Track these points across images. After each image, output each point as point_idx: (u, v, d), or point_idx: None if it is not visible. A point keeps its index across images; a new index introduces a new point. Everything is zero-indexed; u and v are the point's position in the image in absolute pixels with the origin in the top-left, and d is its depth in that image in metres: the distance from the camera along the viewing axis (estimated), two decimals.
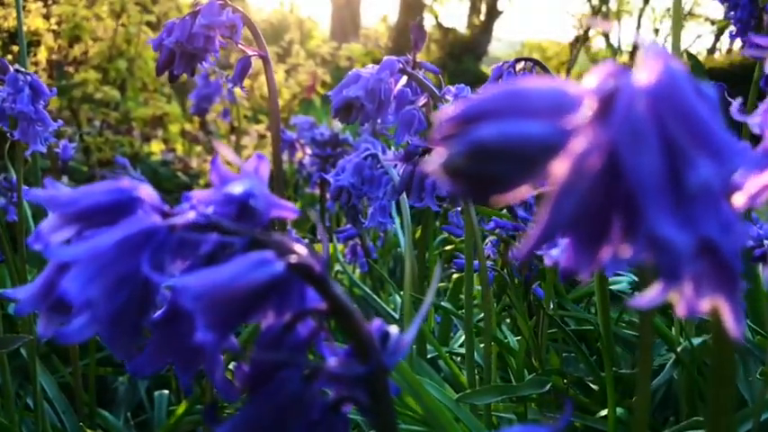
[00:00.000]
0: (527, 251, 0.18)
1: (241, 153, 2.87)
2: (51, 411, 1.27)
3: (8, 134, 1.00)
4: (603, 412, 0.86)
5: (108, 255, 0.25)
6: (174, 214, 0.28)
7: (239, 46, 0.74)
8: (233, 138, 3.32)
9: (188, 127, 3.47)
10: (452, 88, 0.81)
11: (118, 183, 0.29)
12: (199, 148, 3.37)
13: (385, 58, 0.82)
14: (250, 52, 0.75)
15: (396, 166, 1.01)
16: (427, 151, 0.84)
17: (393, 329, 0.28)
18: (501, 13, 14.63)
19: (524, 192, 0.18)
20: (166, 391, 1.44)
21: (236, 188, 0.28)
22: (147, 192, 0.28)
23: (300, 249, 0.27)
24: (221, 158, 0.31)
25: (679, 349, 0.89)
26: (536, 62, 0.96)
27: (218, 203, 0.29)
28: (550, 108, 0.17)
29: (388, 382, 0.27)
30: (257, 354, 0.26)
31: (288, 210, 0.31)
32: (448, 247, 2.00)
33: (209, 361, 0.23)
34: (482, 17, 13.84)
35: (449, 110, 0.19)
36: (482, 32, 13.14)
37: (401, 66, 0.82)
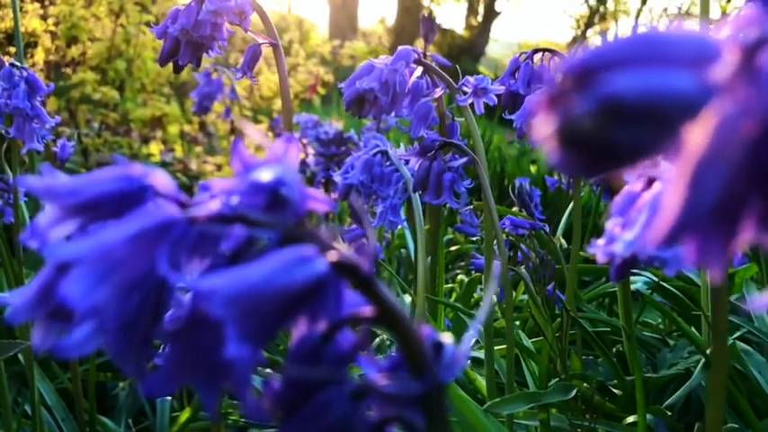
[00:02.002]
0: (661, 241, 0.14)
1: None
2: (50, 419, 1.23)
3: (3, 132, 0.96)
4: (630, 419, 0.82)
5: (118, 253, 0.21)
6: (191, 205, 0.24)
7: (249, 33, 0.70)
8: (232, 139, 3.27)
9: (187, 128, 3.42)
10: (471, 79, 0.77)
11: (126, 169, 0.25)
12: (199, 149, 3.33)
13: (399, 48, 0.78)
14: (260, 40, 0.71)
15: (407, 162, 0.97)
16: (445, 146, 0.80)
17: (446, 339, 0.24)
18: (498, 14, 14.65)
19: (647, 164, 0.14)
20: (168, 398, 1.40)
21: (265, 175, 0.24)
22: (160, 179, 0.24)
23: (340, 245, 0.23)
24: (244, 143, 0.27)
25: (708, 351, 0.84)
26: (555, 52, 0.92)
27: (244, 193, 0.25)
28: (694, 59, 0.13)
29: (445, 400, 0.23)
30: (292, 369, 0.22)
31: (321, 201, 0.27)
32: (453, 248, 1.96)
33: (241, 379, 0.19)
34: (479, 18, 13.84)
35: (565, 60, 0.15)
36: (479, 33, 13.13)
37: (417, 56, 0.78)
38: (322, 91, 3.39)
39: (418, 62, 0.79)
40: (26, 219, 1.57)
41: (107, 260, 0.21)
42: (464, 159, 0.75)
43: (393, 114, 0.78)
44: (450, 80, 0.78)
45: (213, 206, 0.23)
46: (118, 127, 3.22)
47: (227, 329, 0.19)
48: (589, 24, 15.34)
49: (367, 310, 0.23)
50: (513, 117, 0.86)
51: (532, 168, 3.73)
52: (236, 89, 2.04)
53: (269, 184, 0.24)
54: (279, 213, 0.24)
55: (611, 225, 0.35)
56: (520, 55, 0.93)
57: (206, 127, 3.60)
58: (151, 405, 1.44)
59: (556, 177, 1.82)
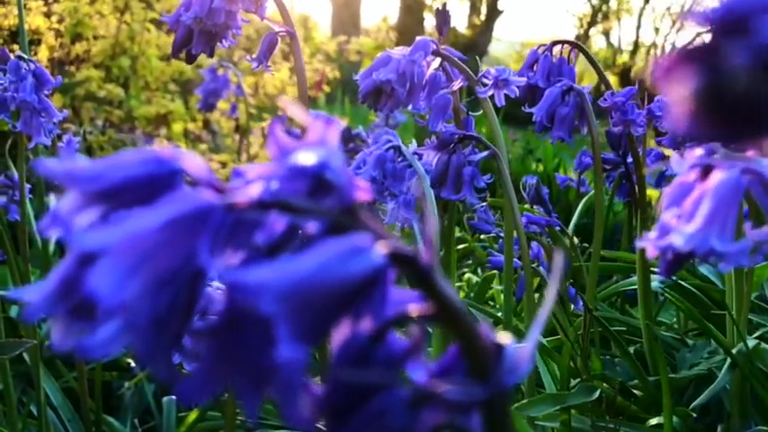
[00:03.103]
0: None
1: (248, 152, 2.81)
2: (55, 419, 1.22)
3: (10, 126, 0.94)
4: (654, 420, 0.80)
5: (150, 242, 0.18)
6: (226, 191, 0.22)
7: (265, 22, 0.68)
8: (236, 137, 3.25)
9: (191, 126, 3.40)
10: (492, 70, 0.75)
11: (154, 152, 0.22)
12: (203, 147, 3.31)
13: (417, 38, 0.76)
14: (277, 28, 0.69)
15: (420, 158, 0.95)
16: (465, 139, 0.77)
17: (505, 339, 0.22)
18: (501, 12, 14.62)
19: None
20: (175, 397, 1.38)
21: (307, 158, 0.22)
22: (192, 162, 0.22)
23: (391, 235, 0.20)
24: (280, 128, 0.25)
25: (734, 351, 0.82)
26: (574, 44, 0.90)
27: (283, 178, 0.22)
28: None
29: (508, 407, 0.20)
30: (339, 373, 0.20)
31: (363, 189, 0.25)
32: (460, 246, 1.93)
33: (290, 383, 0.17)
34: (482, 17, 13.82)
35: (708, 7, 0.12)
36: (482, 32, 13.11)
37: (435, 47, 0.75)
38: (327, 89, 3.36)
39: (436, 53, 0.76)
40: (31, 216, 1.55)
41: (138, 250, 0.18)
42: (484, 153, 0.72)
43: (410, 107, 0.76)
44: (470, 72, 0.76)
45: (252, 192, 0.21)
46: (122, 124, 3.20)
47: (279, 328, 0.17)
48: (592, 23, 15.29)
49: (423, 307, 0.21)
50: (532, 110, 0.84)
51: (539, 167, 3.70)
52: (243, 86, 2.01)
53: (312, 168, 0.22)
54: (323, 200, 0.22)
55: (667, 217, 0.32)
56: (538, 47, 0.91)
57: (210, 125, 3.57)
58: (157, 404, 1.42)
59: (567, 175, 1.79)
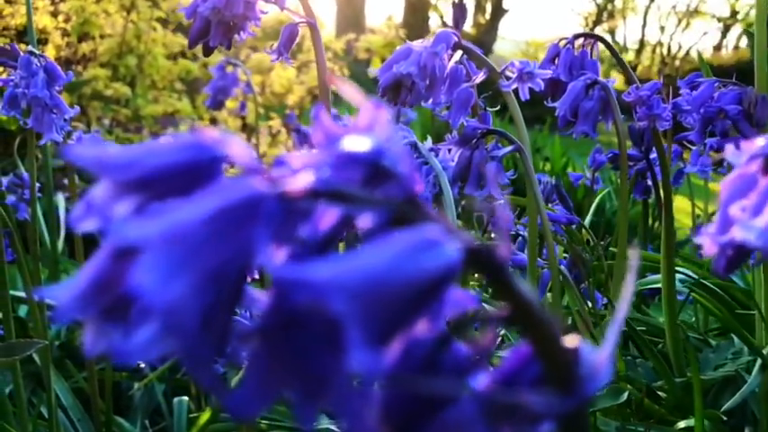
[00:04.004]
0: None
1: (256, 151, 2.79)
2: (65, 419, 1.20)
3: (21, 123, 0.93)
4: (682, 424, 0.77)
5: (197, 235, 0.16)
6: (276, 180, 0.20)
7: (285, 12, 0.66)
8: (243, 136, 3.24)
9: (198, 125, 3.39)
10: (517, 62, 0.73)
11: (194, 136, 0.20)
12: None
13: (438, 30, 0.74)
14: (297, 19, 0.67)
15: (437, 154, 0.92)
16: (488, 134, 0.75)
17: (580, 343, 0.20)
18: (506, 11, 14.61)
19: None
20: (186, 398, 1.37)
21: (362, 144, 0.20)
22: (237, 147, 0.20)
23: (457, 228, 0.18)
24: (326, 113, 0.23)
25: (765, 351, 0.80)
26: (597, 38, 0.88)
27: (333, 167, 0.20)
28: None
29: (588, 418, 0.18)
30: (401, 382, 0.18)
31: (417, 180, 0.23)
32: None
33: (358, 393, 0.15)
34: (487, 16, 13.80)
35: None
36: (487, 31, 13.09)
37: (456, 39, 0.73)
38: (335, 88, 3.34)
39: (458, 46, 0.74)
40: (39, 215, 1.54)
41: (184, 244, 0.16)
42: (509, 148, 0.70)
43: (431, 101, 0.74)
44: (492, 65, 0.74)
45: (304, 181, 0.19)
46: (129, 123, 3.19)
47: (350, 331, 0.15)
48: (597, 22, 15.24)
49: (501, 310, 0.19)
50: (555, 105, 0.81)
51: (546, 166, 3.67)
52: (252, 83, 2.00)
53: (367, 155, 0.20)
54: (381, 190, 0.20)
55: (733, 210, 0.30)
56: (559, 40, 0.89)
57: (217, 124, 3.56)
58: (168, 405, 1.40)
59: (581, 173, 1.77)
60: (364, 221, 0.19)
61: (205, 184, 0.20)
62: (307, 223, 0.21)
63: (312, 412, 0.17)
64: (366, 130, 0.22)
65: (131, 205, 0.21)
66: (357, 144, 0.21)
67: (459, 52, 0.75)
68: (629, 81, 0.85)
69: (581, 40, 0.88)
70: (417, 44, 0.73)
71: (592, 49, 0.88)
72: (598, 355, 0.20)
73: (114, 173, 0.20)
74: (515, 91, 0.74)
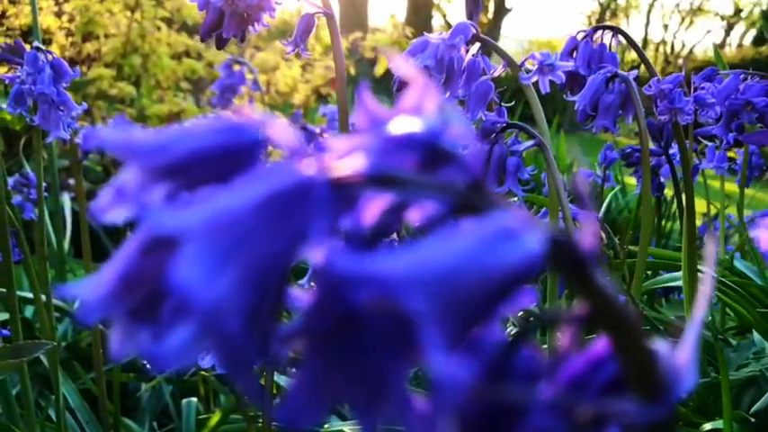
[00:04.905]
0: None
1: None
2: (73, 421, 1.18)
3: (28, 120, 0.91)
4: (708, 426, 0.75)
5: (245, 224, 0.15)
6: (324, 165, 0.18)
7: (302, 1, 0.64)
8: None
9: None
10: (538, 54, 0.71)
11: (232, 118, 0.19)
12: None
13: (456, 22, 0.72)
14: (313, 9, 0.65)
15: None
16: (508, 128, 0.73)
17: (661, 346, 0.18)
18: (509, 10, 14.58)
19: None
20: (194, 399, 1.35)
21: (415, 125, 0.18)
22: (280, 130, 0.18)
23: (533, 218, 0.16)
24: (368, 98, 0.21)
25: None
26: (616, 30, 0.86)
27: (383, 151, 0.18)
28: None
29: (674, 426, 0.17)
30: (476, 390, 0.16)
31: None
32: None
33: (444, 398, 0.13)
34: (490, 15, 13.76)
35: None
36: (490, 30, 13.06)
37: (475, 31, 0.71)
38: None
39: (476, 38, 0.72)
40: (46, 214, 1.52)
41: (231, 234, 0.15)
42: (529, 143, 0.68)
43: (448, 95, 0.72)
44: (512, 57, 0.72)
45: (358, 165, 0.17)
46: (134, 123, 3.18)
47: (428, 332, 0.13)
48: (600, 20, 15.19)
49: (580, 310, 0.17)
50: (574, 99, 0.79)
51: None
52: (259, 82, 1.98)
53: (422, 136, 0.18)
54: (439, 175, 0.18)
55: None
56: (577, 33, 0.87)
57: None
58: (176, 407, 1.39)
59: (592, 171, 1.75)
60: (422, 210, 0.17)
61: (245, 170, 0.18)
62: (351, 213, 0.19)
63: (373, 421, 0.15)
64: (414, 111, 0.20)
65: (162, 194, 0.19)
66: (408, 125, 0.19)
67: (477, 45, 0.73)
68: (650, 73, 0.83)
69: (599, 33, 0.86)
70: (434, 36, 0.71)
71: (611, 43, 0.86)
72: (679, 357, 0.18)
73: (144, 158, 0.18)
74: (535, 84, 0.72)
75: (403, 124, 0.19)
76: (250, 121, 0.18)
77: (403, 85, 0.72)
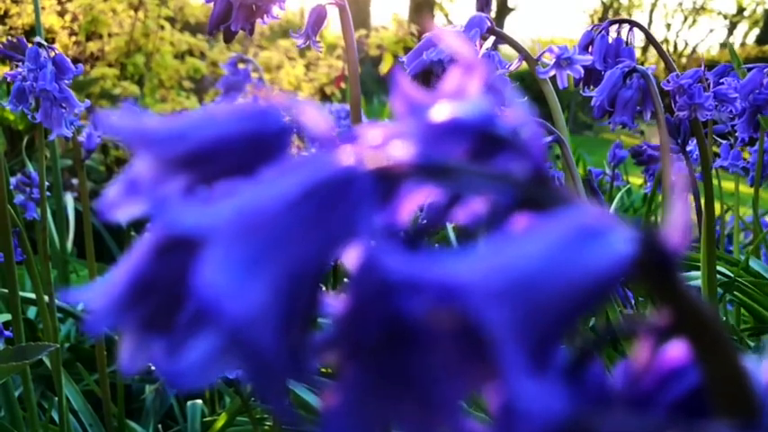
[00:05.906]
0: None
1: None
2: (76, 424, 1.17)
3: (30, 117, 0.89)
4: None
5: (280, 222, 0.13)
6: (362, 154, 0.16)
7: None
8: None
9: None
10: (555, 48, 0.69)
11: (256, 103, 0.16)
12: None
13: (471, 15, 0.70)
14: (325, 0, 0.63)
15: None
16: None
17: (750, 362, 0.16)
18: (512, 10, 14.54)
19: None
20: (200, 401, 1.33)
21: (464, 109, 0.16)
22: (312, 115, 0.16)
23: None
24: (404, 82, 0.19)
25: None
26: (633, 23, 0.84)
27: (429, 139, 0.16)
28: None
29: None
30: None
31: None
32: None
33: (529, 425, 0.11)
34: (492, 14, 13.74)
35: None
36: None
37: (490, 24, 0.69)
38: (344, 86, 3.31)
39: (491, 31, 0.70)
40: (48, 214, 1.50)
41: (263, 234, 0.12)
42: (548, 139, 0.66)
43: None
44: (528, 51, 0.70)
45: (403, 154, 0.15)
46: None
47: (506, 349, 0.11)
48: (603, 20, 15.14)
49: (661, 320, 0.14)
50: (591, 94, 0.77)
51: (558, 165, 3.62)
52: (264, 79, 1.96)
53: (474, 121, 0.16)
54: (495, 165, 0.15)
55: None
56: (593, 27, 0.84)
57: None
58: (181, 409, 1.37)
59: (601, 169, 1.73)
60: (477, 205, 0.15)
61: (271, 161, 0.16)
62: (392, 209, 0.17)
63: None
64: (458, 94, 0.18)
65: (178, 187, 0.17)
66: (455, 110, 0.17)
67: (492, 38, 0.71)
68: (669, 68, 0.80)
69: (615, 27, 0.84)
70: (449, 29, 0.69)
71: (628, 37, 0.84)
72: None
73: (159, 147, 0.16)
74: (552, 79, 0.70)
75: (448, 109, 0.17)
76: (278, 106, 0.16)
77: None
